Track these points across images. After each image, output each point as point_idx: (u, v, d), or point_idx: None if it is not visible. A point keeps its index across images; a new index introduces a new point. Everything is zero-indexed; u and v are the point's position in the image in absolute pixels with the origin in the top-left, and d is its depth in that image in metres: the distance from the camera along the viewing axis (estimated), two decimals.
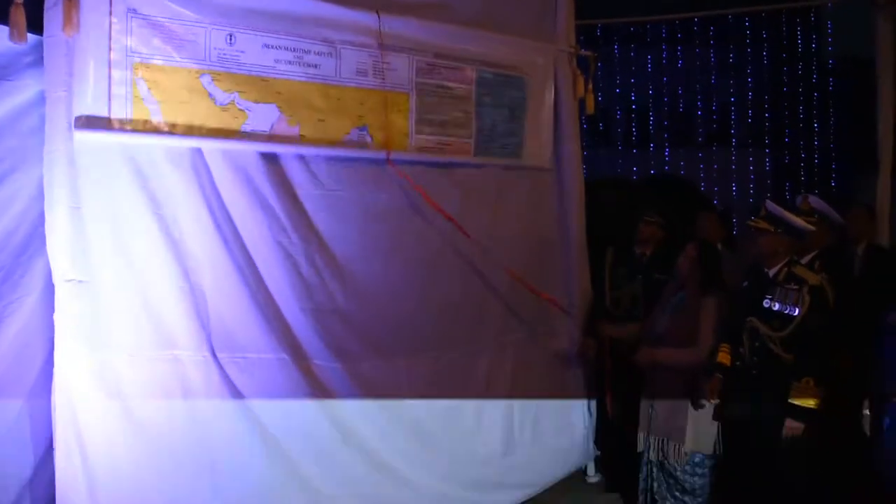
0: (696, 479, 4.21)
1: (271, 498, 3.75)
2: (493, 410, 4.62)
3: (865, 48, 6.55)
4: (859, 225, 5.13)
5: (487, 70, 4.47)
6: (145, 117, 3.41)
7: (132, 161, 3.43)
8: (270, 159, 3.78)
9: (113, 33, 3.31)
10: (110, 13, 3.29)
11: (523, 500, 4.68)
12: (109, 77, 3.31)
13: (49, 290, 3.33)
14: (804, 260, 4.31)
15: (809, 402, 3.76)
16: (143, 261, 3.48)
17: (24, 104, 3.35)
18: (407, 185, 4.10)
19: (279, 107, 3.75)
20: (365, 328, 4.06)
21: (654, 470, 4.36)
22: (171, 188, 3.52)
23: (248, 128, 3.67)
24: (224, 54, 3.59)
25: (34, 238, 3.37)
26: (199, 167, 3.59)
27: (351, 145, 3.96)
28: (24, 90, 3.34)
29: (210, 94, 3.56)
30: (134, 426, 3.44)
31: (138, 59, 3.38)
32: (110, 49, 3.31)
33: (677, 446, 4.20)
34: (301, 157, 3.88)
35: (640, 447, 4.44)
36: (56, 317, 3.30)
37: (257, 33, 3.66)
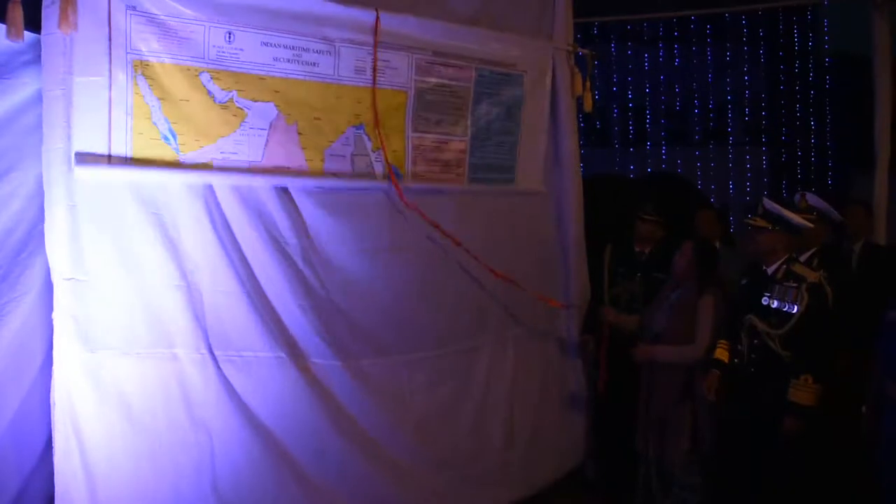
0: (693, 476, 4.23)
1: (268, 495, 3.75)
2: (493, 407, 4.62)
3: (861, 46, 6.56)
4: (856, 222, 5.15)
5: (486, 68, 4.46)
6: (146, 115, 3.40)
7: None
8: None
9: (112, 31, 3.30)
10: (109, 11, 3.28)
11: (522, 496, 4.68)
12: (109, 76, 3.30)
13: (48, 288, 3.33)
14: (803, 258, 4.33)
15: (808, 400, 3.77)
16: (141, 260, 3.47)
17: (22, 103, 3.34)
18: (402, 207, 4.11)
19: (277, 105, 3.74)
20: (364, 325, 4.06)
21: (652, 467, 4.38)
22: (168, 189, 3.51)
23: (246, 126, 3.66)
24: (223, 52, 3.57)
25: (33, 237, 3.37)
26: None
27: (347, 176, 3.97)
28: (22, 88, 3.34)
29: (209, 92, 3.55)
30: (132, 423, 3.44)
31: (137, 57, 3.37)
32: (110, 47, 3.30)
33: (675, 443, 4.22)
34: None
35: (638, 445, 4.45)
36: (55, 315, 3.30)
37: (256, 31, 3.64)
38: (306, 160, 3.85)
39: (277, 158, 3.76)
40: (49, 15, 3.20)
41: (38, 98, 3.30)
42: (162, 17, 3.41)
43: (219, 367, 3.64)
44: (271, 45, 3.70)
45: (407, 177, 4.19)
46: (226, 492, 3.65)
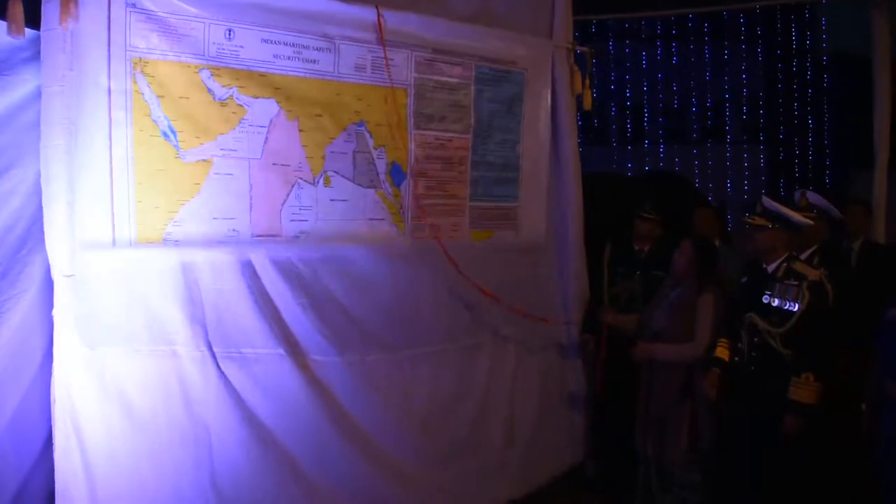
0: (693, 474, 4.23)
1: (268, 492, 3.75)
2: (494, 405, 4.62)
3: (860, 44, 6.56)
4: (856, 221, 5.16)
5: (486, 65, 4.47)
6: (145, 112, 3.40)
7: None
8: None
9: (111, 29, 3.29)
10: (109, 8, 3.28)
11: (522, 495, 4.68)
12: (109, 74, 3.30)
13: (47, 285, 3.32)
14: (803, 256, 4.33)
15: (809, 398, 3.77)
16: (140, 257, 3.46)
17: (22, 99, 3.32)
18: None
19: (278, 101, 3.74)
20: (364, 322, 4.06)
21: (652, 466, 4.38)
22: None
23: (245, 123, 3.66)
24: (223, 49, 3.57)
25: (32, 234, 3.36)
26: None
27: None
28: (22, 85, 3.32)
29: (209, 89, 3.55)
30: (132, 420, 3.44)
31: (137, 55, 3.36)
32: (109, 44, 3.29)
33: (675, 442, 4.22)
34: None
35: (638, 444, 4.46)
36: (55, 312, 3.29)
37: (256, 28, 3.65)
38: (306, 157, 3.85)
39: (277, 156, 3.76)
40: (49, 11, 3.18)
41: (38, 95, 3.27)
42: (162, 14, 3.41)
43: (218, 365, 3.63)
44: (271, 42, 3.70)
45: (410, 174, 4.21)
46: (225, 489, 3.65)
